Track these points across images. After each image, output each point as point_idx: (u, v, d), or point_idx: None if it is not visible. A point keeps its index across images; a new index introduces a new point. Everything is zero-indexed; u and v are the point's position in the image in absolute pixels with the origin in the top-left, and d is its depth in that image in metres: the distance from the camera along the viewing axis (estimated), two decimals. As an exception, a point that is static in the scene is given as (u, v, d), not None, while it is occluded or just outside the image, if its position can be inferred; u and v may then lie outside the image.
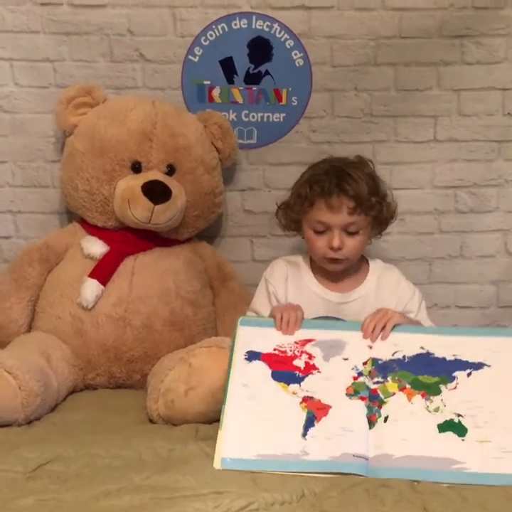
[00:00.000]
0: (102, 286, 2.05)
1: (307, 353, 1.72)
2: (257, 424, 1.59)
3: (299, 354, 1.72)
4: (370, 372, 1.67)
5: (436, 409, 1.60)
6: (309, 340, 1.75)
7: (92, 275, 2.05)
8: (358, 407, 1.61)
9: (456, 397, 1.62)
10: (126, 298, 2.06)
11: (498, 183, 2.38)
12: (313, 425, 1.58)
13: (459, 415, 1.58)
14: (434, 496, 1.40)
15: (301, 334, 1.76)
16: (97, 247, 2.10)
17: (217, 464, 1.52)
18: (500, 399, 1.61)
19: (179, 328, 2.09)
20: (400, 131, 2.35)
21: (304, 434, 1.57)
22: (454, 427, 1.56)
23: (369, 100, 2.32)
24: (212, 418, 1.68)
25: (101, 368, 2.06)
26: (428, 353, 1.70)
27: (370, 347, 1.73)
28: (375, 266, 2.00)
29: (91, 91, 2.17)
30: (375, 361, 1.70)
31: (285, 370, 1.69)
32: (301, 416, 1.60)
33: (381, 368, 1.68)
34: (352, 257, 1.91)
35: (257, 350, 1.72)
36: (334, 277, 1.95)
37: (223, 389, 1.65)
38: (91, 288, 2.04)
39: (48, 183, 2.32)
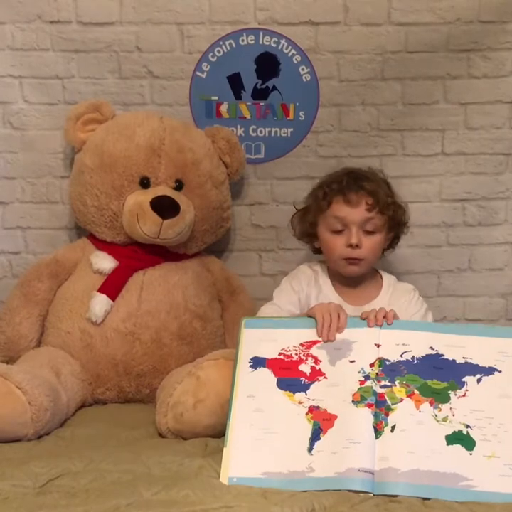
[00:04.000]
0: (111, 301, 2.05)
1: (313, 356, 1.69)
2: (262, 440, 1.58)
3: (304, 358, 1.69)
4: (377, 374, 1.64)
5: (445, 419, 1.57)
6: (316, 342, 1.71)
7: (101, 290, 2.06)
8: (364, 417, 1.58)
9: (465, 405, 1.59)
10: (135, 312, 2.06)
11: (506, 196, 2.38)
12: (319, 438, 1.57)
13: (467, 426, 1.56)
14: (444, 511, 1.39)
15: (309, 335, 1.72)
16: (106, 262, 2.11)
17: (224, 482, 1.52)
18: (510, 409, 1.59)
19: (188, 342, 2.09)
20: (407, 145, 2.35)
21: (310, 449, 1.56)
22: (462, 440, 1.54)
23: (376, 114, 2.32)
24: (222, 431, 1.66)
25: (110, 382, 2.06)
26: (437, 354, 1.66)
27: (378, 345, 1.68)
28: (388, 281, 2.01)
29: (99, 107, 2.19)
30: (382, 362, 1.66)
31: (291, 377, 1.67)
32: (307, 428, 1.59)
33: (389, 370, 1.64)
34: (370, 258, 1.92)
35: (262, 355, 1.70)
36: (352, 289, 1.95)
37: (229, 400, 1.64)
38: (100, 303, 2.04)
39: (57, 199, 2.33)
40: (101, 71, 2.26)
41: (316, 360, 1.69)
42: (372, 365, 1.66)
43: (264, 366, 1.69)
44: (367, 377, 1.64)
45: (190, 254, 2.22)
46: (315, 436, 1.57)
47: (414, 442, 1.54)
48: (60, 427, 1.86)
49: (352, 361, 1.67)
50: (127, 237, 2.13)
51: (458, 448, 1.54)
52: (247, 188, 2.37)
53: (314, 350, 1.70)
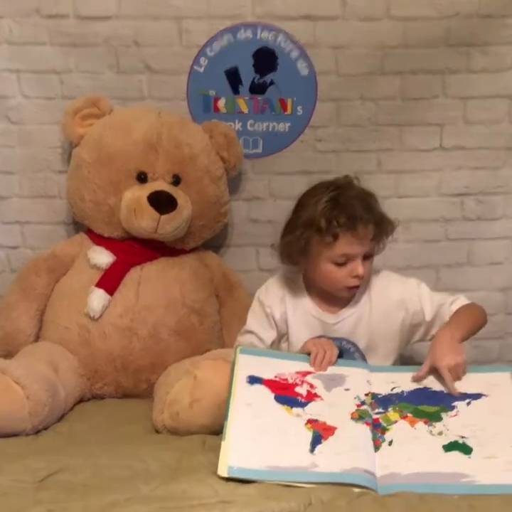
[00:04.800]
0: (108, 296, 2.05)
1: (308, 383, 1.72)
2: (263, 438, 1.56)
3: (300, 383, 1.72)
4: (370, 404, 1.68)
5: (440, 433, 1.59)
6: (310, 372, 1.75)
7: (98, 285, 2.06)
8: (364, 431, 1.60)
9: (458, 422, 1.61)
10: (133, 308, 2.06)
11: (505, 191, 2.38)
12: (321, 443, 1.56)
13: (462, 437, 1.57)
14: (442, 506, 1.38)
15: (303, 366, 1.77)
16: (103, 257, 2.11)
17: (222, 472, 1.47)
18: (502, 422, 1.60)
19: (185, 338, 2.09)
20: (406, 140, 2.34)
21: (312, 450, 1.54)
22: (459, 447, 1.55)
23: (375, 109, 2.32)
24: (217, 431, 1.65)
25: (108, 377, 2.06)
26: (426, 388, 1.71)
27: (369, 383, 1.74)
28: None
29: (97, 102, 2.18)
30: (374, 395, 1.70)
31: (287, 395, 1.67)
32: (307, 435, 1.58)
33: (381, 401, 1.69)
34: (367, 279, 1.90)
35: (258, 375, 1.71)
36: (329, 298, 1.92)
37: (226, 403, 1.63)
38: (98, 298, 2.04)
39: (55, 194, 2.33)
40: (99, 66, 2.25)
41: (312, 386, 1.72)
42: (366, 394, 1.70)
43: (260, 383, 1.69)
44: (363, 403, 1.67)
45: (187, 249, 2.22)
46: (316, 441, 1.56)
47: (412, 452, 1.55)
48: (58, 422, 1.86)
49: (347, 389, 1.72)
50: (125, 232, 2.13)
51: (456, 454, 1.54)
52: (244, 183, 2.37)
53: (309, 378, 1.74)
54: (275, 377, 1.71)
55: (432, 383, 1.72)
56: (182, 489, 1.45)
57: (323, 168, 2.29)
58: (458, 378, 1.70)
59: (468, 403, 1.65)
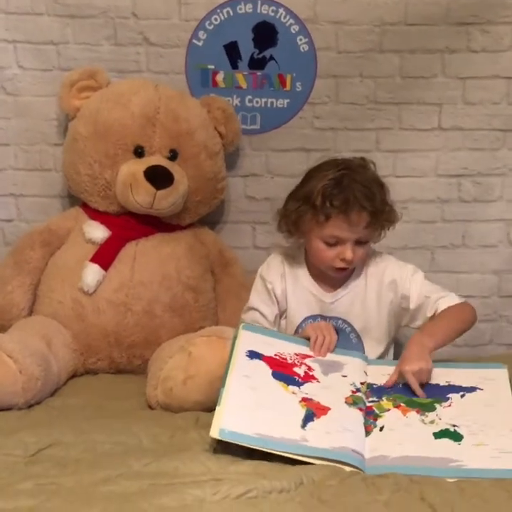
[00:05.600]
0: (103, 271, 2.05)
1: (306, 365, 1.73)
2: (257, 408, 1.58)
3: (298, 364, 1.73)
4: (365, 392, 1.69)
5: (432, 422, 1.60)
6: (309, 356, 1.77)
7: (93, 260, 2.05)
8: (356, 415, 1.62)
9: (451, 412, 1.62)
10: (128, 283, 2.06)
11: (502, 173, 2.37)
12: (313, 420, 1.57)
13: (454, 425, 1.58)
14: (431, 487, 1.39)
15: (303, 349, 1.79)
16: (98, 232, 2.10)
17: (214, 433, 1.47)
18: (495, 414, 1.61)
19: (180, 314, 2.09)
20: (404, 119, 2.33)
21: (303, 427, 1.56)
22: (450, 435, 1.56)
23: (373, 87, 2.30)
24: (211, 407, 1.63)
25: (101, 352, 2.06)
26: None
27: (366, 373, 1.76)
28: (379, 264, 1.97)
29: (94, 74, 2.16)
30: (370, 385, 1.72)
31: (285, 373, 1.69)
32: (300, 412, 1.59)
33: (376, 391, 1.71)
34: (358, 264, 1.90)
35: (258, 351, 1.72)
36: (327, 277, 1.92)
37: (222, 379, 1.62)
38: (92, 273, 2.04)
39: (51, 167, 2.31)
40: (96, 37, 2.23)
41: (310, 368, 1.73)
42: (362, 383, 1.72)
43: (259, 359, 1.70)
44: (358, 390, 1.69)
45: (183, 225, 2.22)
46: (308, 418, 1.58)
47: (402, 437, 1.56)
48: (50, 397, 1.86)
49: (344, 376, 1.73)
50: (120, 206, 2.12)
51: (446, 441, 1.55)
52: (242, 160, 2.36)
53: (308, 361, 1.75)
54: (275, 355, 1.73)
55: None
56: (174, 466, 1.45)
57: (321, 146, 2.28)
58: (421, 383, 1.70)
59: (463, 395, 1.67)
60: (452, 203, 2.38)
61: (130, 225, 2.12)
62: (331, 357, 1.78)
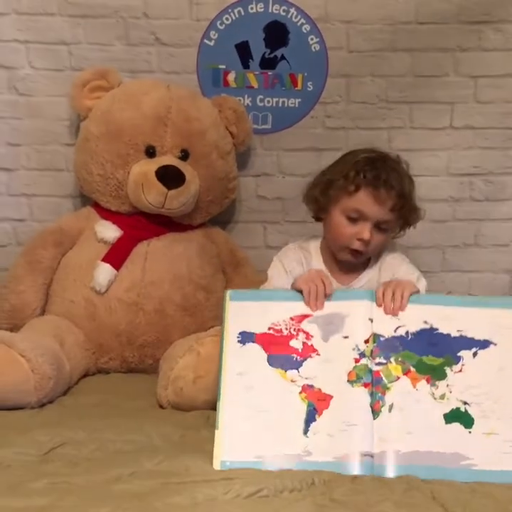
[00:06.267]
0: (115, 271, 2.05)
1: (304, 332, 1.62)
2: (254, 419, 1.54)
3: (295, 333, 1.62)
4: (372, 351, 1.60)
5: (442, 397, 1.56)
6: (306, 316, 1.64)
7: (105, 259, 2.06)
8: (361, 397, 1.56)
9: (462, 381, 1.57)
10: (139, 283, 2.06)
11: (515, 172, 2.36)
12: (315, 420, 1.54)
13: (465, 403, 1.55)
14: (443, 486, 1.39)
15: (297, 308, 1.65)
16: (110, 232, 2.10)
17: (216, 466, 1.47)
18: (507, 381, 1.56)
19: (191, 314, 2.10)
20: (415, 118, 2.34)
21: (306, 431, 1.52)
22: (461, 418, 1.53)
23: (385, 86, 2.31)
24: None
25: (113, 352, 2.07)
26: (432, 329, 1.61)
27: (371, 320, 1.62)
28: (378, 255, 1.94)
29: (106, 74, 2.17)
30: (377, 337, 1.60)
31: (282, 353, 1.61)
32: (302, 409, 1.55)
33: (383, 346, 1.60)
34: (373, 253, 1.88)
35: (251, 330, 1.62)
36: (342, 268, 1.90)
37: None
38: (104, 272, 2.04)
39: (63, 167, 2.32)
40: (108, 37, 2.24)
41: (308, 336, 1.62)
42: (366, 341, 1.61)
43: (253, 341, 1.62)
44: (362, 355, 1.60)
45: (194, 225, 2.22)
46: (310, 418, 1.54)
47: (412, 422, 1.53)
48: (63, 396, 1.87)
49: (345, 337, 1.62)
50: (132, 206, 2.13)
51: (457, 426, 1.53)
52: (253, 159, 2.36)
53: (305, 325, 1.63)
54: (269, 329, 1.62)
55: (438, 322, 1.61)
56: (185, 465, 1.45)
57: (333, 145, 2.28)
58: (395, 297, 1.62)
59: (475, 354, 1.59)
60: (464, 202, 2.38)
61: (141, 225, 2.13)
62: (330, 307, 1.65)
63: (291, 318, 1.64)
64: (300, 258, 1.94)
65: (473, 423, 1.53)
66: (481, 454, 1.49)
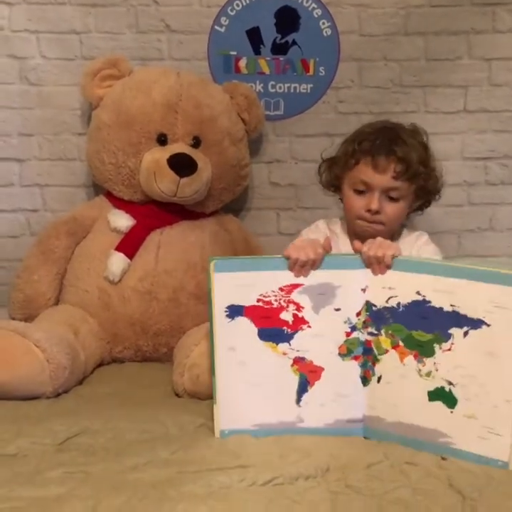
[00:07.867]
0: (128, 260, 2.05)
1: (294, 303, 1.58)
2: (249, 392, 1.58)
3: (285, 305, 1.57)
4: (364, 322, 1.58)
5: (428, 374, 1.54)
6: (296, 286, 1.57)
7: (118, 249, 2.06)
8: (352, 370, 1.59)
9: (450, 360, 1.53)
10: (153, 272, 2.06)
11: (530, 155, 2.34)
12: (307, 390, 1.58)
13: (450, 383, 1.52)
14: (460, 473, 1.39)
15: (286, 277, 1.58)
16: (123, 221, 2.10)
17: (217, 435, 1.58)
18: (495, 367, 1.49)
19: (205, 302, 2.03)
20: (429, 102, 2.31)
21: (298, 401, 1.58)
22: (445, 397, 1.53)
23: (398, 70, 2.29)
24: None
25: (128, 341, 2.07)
26: (424, 301, 1.54)
27: (364, 290, 1.58)
28: (408, 237, 1.92)
29: (117, 63, 2.16)
30: (369, 306, 1.57)
31: (272, 326, 1.58)
32: (294, 380, 1.58)
33: (375, 317, 1.57)
34: (389, 223, 1.83)
35: (239, 303, 1.57)
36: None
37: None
38: (117, 261, 2.04)
39: (75, 156, 2.32)
40: (118, 26, 2.23)
41: (298, 307, 1.58)
42: (358, 313, 1.58)
43: (241, 315, 1.57)
44: (353, 329, 1.58)
45: (207, 212, 2.21)
46: (302, 389, 1.58)
47: (398, 395, 1.56)
48: (78, 385, 1.87)
49: (337, 309, 1.58)
50: (144, 195, 2.12)
51: (439, 405, 1.53)
52: (265, 146, 2.35)
53: (295, 296, 1.58)
54: (258, 301, 1.57)
55: (432, 294, 1.54)
56: (201, 454, 1.47)
57: (345, 131, 2.23)
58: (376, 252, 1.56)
59: (466, 333, 1.52)
60: (479, 186, 2.36)
61: (154, 214, 2.12)
62: (321, 276, 1.58)
63: (281, 289, 1.58)
64: (326, 234, 1.92)
65: (456, 404, 1.52)
66: (460, 434, 1.51)
